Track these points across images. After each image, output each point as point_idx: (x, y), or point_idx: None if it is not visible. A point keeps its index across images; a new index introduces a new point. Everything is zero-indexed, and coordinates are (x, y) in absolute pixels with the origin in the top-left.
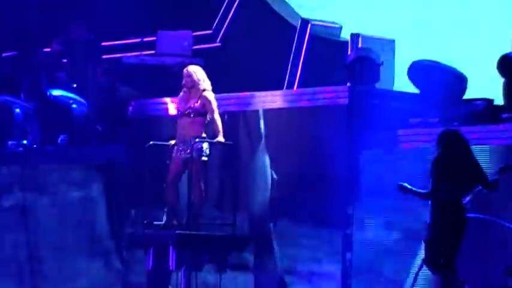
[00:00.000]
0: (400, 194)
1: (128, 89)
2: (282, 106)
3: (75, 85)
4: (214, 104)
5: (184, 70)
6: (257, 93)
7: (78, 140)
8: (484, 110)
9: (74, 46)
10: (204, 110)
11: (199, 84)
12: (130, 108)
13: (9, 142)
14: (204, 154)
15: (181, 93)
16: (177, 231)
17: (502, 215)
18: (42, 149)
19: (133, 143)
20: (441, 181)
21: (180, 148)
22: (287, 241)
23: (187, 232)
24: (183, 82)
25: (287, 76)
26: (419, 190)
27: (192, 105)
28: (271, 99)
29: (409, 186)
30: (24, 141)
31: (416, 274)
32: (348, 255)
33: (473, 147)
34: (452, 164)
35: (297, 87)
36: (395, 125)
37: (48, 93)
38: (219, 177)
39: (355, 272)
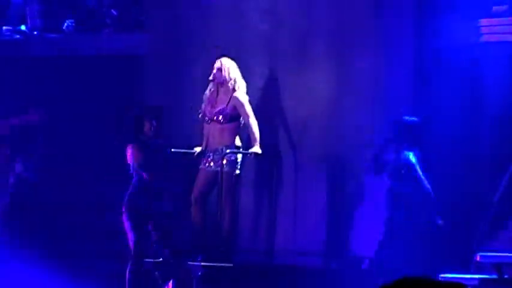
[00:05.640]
0: None
1: None
2: None
3: None
4: (248, 107)
5: (217, 61)
6: None
7: (88, 26)
8: None
9: None
10: (237, 114)
11: (230, 83)
12: None
13: (4, 28)
14: (238, 167)
15: (207, 91)
16: (202, 263)
17: None
18: (44, 37)
19: (158, 31)
20: None
21: (210, 159)
22: None
23: (216, 264)
24: (211, 76)
25: None
26: None
27: (222, 109)
28: None
29: None
30: (23, 27)
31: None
32: None
33: None
34: None
35: None
36: (476, 13)
37: None
38: (255, 194)
39: None
